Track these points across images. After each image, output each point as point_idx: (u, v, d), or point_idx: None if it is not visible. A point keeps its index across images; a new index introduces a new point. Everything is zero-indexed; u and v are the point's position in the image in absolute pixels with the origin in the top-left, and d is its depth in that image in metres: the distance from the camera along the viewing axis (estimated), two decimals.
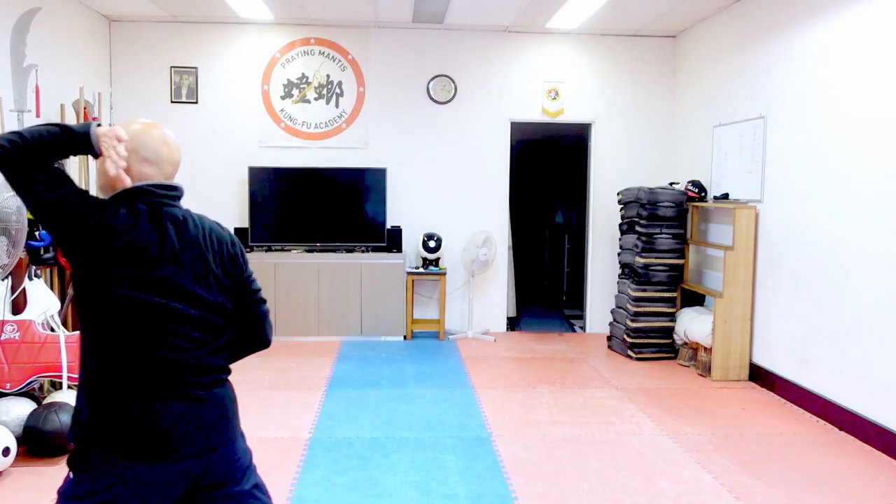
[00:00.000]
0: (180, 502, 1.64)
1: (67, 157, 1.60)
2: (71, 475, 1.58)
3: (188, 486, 1.62)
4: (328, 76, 6.54)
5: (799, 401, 4.56)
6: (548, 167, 9.63)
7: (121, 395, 1.56)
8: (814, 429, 4.17)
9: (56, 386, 4.08)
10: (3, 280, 3.78)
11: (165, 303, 1.59)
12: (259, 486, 1.75)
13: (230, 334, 1.74)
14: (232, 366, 1.77)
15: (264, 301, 1.83)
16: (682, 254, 5.82)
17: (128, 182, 1.61)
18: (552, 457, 3.66)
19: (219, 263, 1.69)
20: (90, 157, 5.16)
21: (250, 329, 1.80)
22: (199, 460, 1.61)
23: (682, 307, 5.88)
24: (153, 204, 1.63)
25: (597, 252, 6.82)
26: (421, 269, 6.43)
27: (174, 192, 1.68)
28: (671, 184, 6.15)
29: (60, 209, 1.54)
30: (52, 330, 3.92)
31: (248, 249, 6.24)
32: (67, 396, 3.73)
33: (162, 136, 1.66)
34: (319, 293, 6.28)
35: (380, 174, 6.42)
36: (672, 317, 5.81)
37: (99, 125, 1.62)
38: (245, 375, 5.10)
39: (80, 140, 1.57)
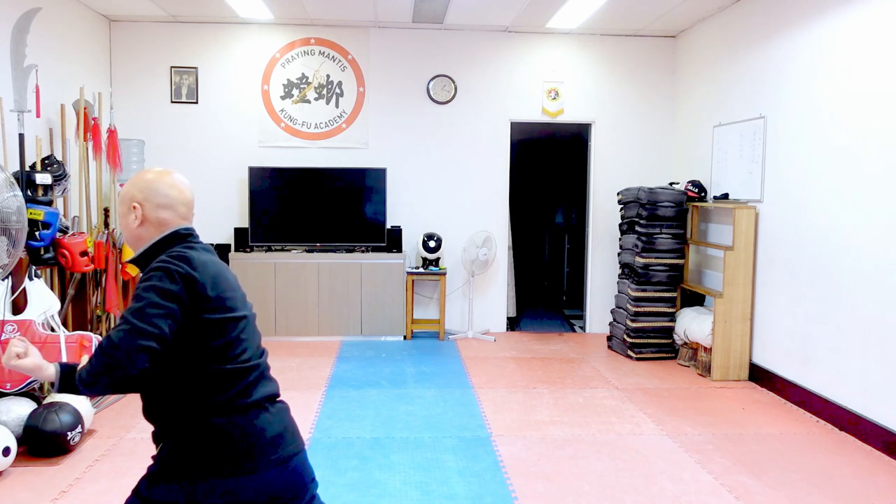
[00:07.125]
0: None
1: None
2: None
3: None
4: (328, 76, 6.54)
5: (799, 401, 4.56)
6: (548, 167, 9.63)
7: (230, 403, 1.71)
8: (814, 429, 4.17)
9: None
10: (3, 280, 3.78)
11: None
12: None
13: None
14: None
15: None
16: (681, 254, 5.82)
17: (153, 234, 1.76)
18: (552, 457, 3.66)
19: None
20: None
21: None
22: None
23: (682, 307, 5.88)
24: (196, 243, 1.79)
25: (597, 252, 6.82)
26: (421, 269, 6.43)
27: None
28: (671, 184, 6.15)
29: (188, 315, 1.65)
30: (53, 330, 3.92)
31: (248, 249, 6.25)
32: (67, 396, 3.73)
33: (171, 181, 1.80)
34: (319, 293, 6.28)
35: (380, 174, 6.42)
36: (672, 317, 5.81)
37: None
38: None
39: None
